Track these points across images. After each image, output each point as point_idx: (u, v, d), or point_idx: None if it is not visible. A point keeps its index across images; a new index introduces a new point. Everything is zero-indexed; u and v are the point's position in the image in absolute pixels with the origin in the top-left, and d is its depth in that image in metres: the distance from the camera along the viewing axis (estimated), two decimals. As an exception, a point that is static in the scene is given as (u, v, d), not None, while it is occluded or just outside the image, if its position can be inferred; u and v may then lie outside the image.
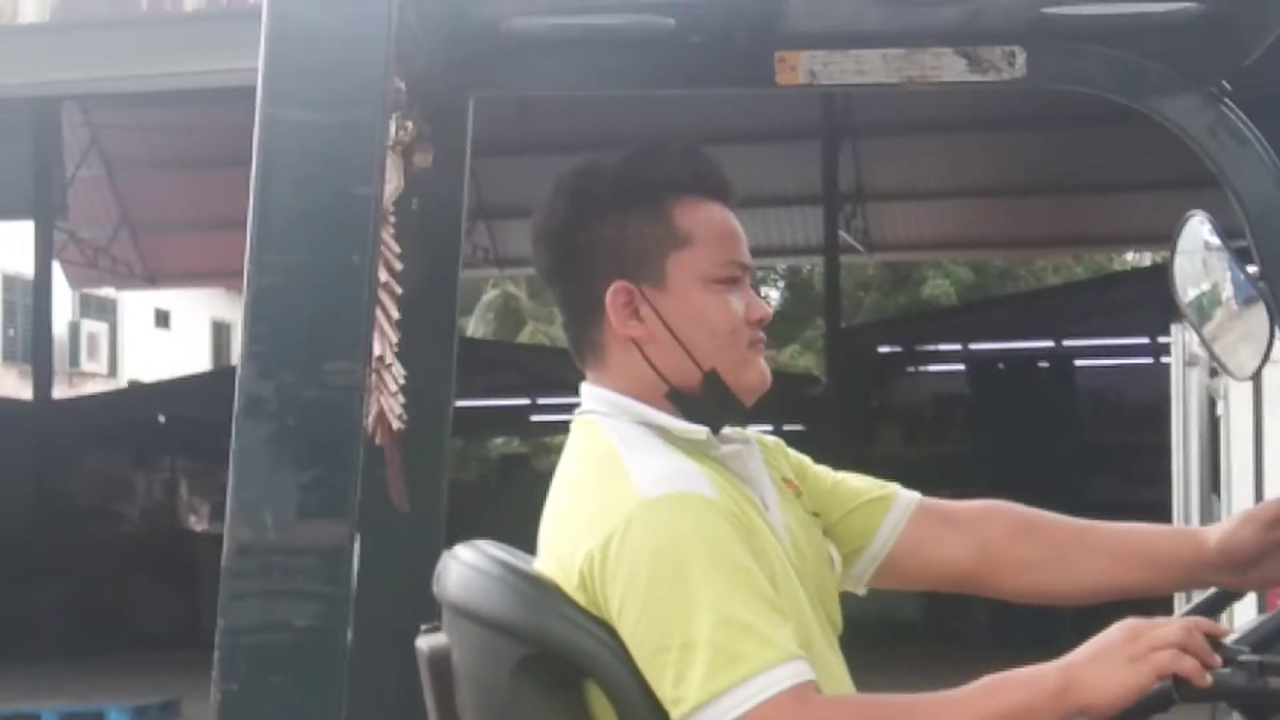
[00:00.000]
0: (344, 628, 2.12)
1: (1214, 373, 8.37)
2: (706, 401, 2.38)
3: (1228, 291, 2.59)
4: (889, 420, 21.33)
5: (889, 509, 2.57)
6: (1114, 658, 2.12)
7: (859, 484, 2.60)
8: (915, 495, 2.61)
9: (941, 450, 20.18)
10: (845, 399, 20.38)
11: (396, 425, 2.48)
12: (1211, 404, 8.09)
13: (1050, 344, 20.95)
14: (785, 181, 20.51)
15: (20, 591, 18.19)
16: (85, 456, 22.02)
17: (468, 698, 2.32)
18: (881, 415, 21.37)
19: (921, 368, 22.28)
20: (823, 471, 2.62)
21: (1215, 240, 2.62)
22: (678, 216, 2.38)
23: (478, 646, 2.30)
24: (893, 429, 21.15)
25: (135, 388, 28.32)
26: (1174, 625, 2.13)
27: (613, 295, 2.37)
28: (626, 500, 2.22)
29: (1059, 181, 20.24)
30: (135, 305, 31.65)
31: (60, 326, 26.06)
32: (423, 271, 2.59)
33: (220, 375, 29.78)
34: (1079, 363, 20.55)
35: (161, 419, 23.17)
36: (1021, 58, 2.56)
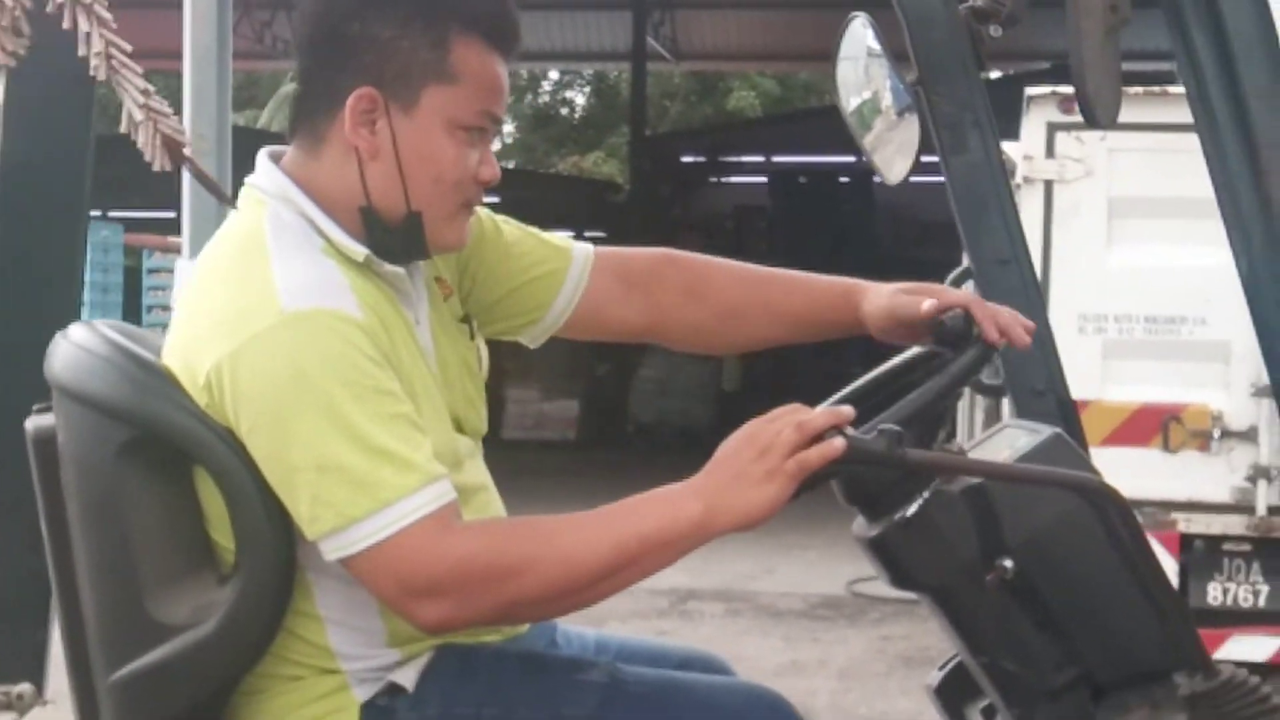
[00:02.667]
0: None
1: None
2: (398, 237, 2.30)
3: (886, 100, 2.59)
4: (690, 229, 21.42)
5: (564, 280, 2.57)
6: (749, 479, 2.15)
7: (536, 251, 2.59)
8: (589, 254, 2.61)
9: (741, 260, 20.36)
10: (647, 207, 20.44)
11: (187, 149, 2.48)
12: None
13: (852, 159, 21.13)
14: (594, -16, 20.27)
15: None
16: None
17: (72, 480, 2.28)
18: (683, 224, 21.46)
19: (724, 178, 22.39)
20: (506, 234, 2.59)
21: (876, 45, 2.61)
22: (455, 51, 2.28)
23: (82, 428, 2.26)
24: (693, 238, 21.23)
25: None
26: (789, 430, 2.16)
27: (356, 99, 2.27)
28: (265, 309, 2.15)
29: (868, -4, 20.27)
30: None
31: None
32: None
33: None
34: (878, 178, 20.78)
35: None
36: None
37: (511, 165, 33.90)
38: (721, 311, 2.62)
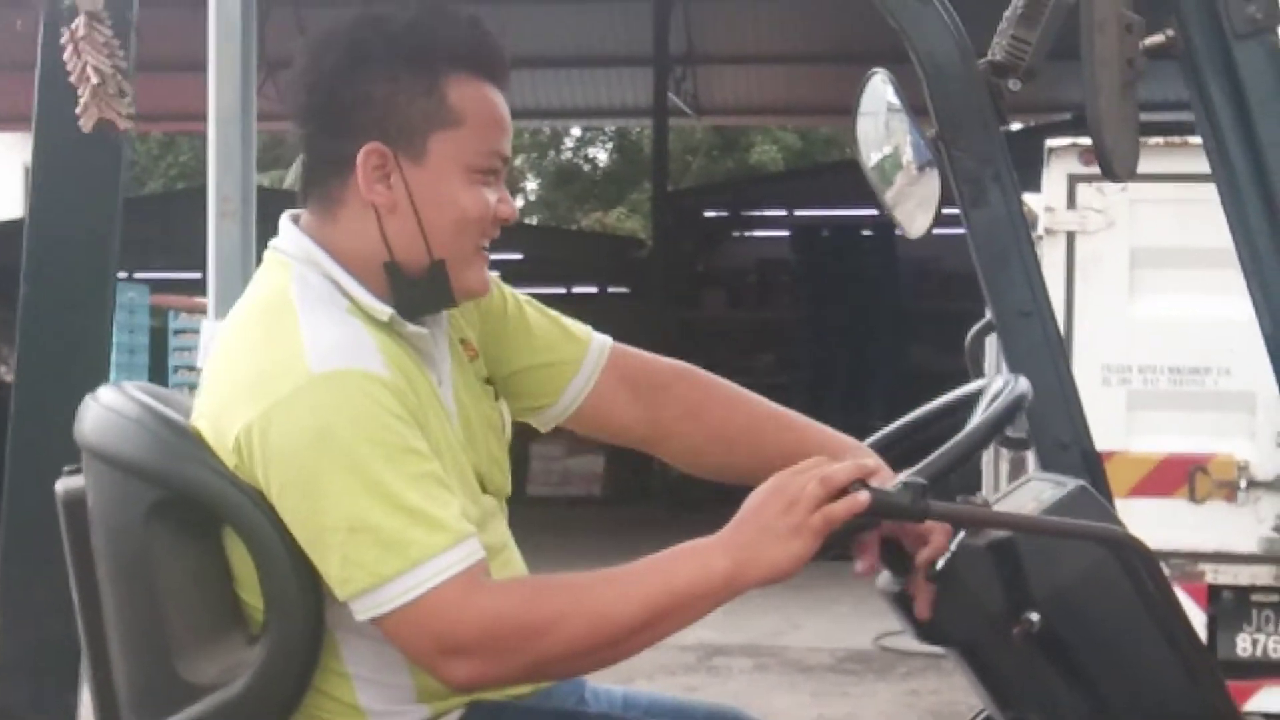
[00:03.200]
0: None
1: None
2: (422, 287, 2.32)
3: (907, 155, 2.60)
4: (714, 284, 21.44)
5: (577, 372, 2.57)
6: (775, 534, 2.16)
7: (554, 336, 2.58)
8: (606, 351, 2.60)
9: (765, 315, 20.37)
10: (671, 262, 20.45)
11: (125, 125, 2.58)
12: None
13: (874, 212, 21.13)
14: (615, 42, 20.36)
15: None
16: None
17: (101, 542, 2.30)
18: (706, 279, 21.48)
19: (747, 233, 22.38)
20: (528, 314, 2.59)
21: (896, 101, 2.62)
22: (452, 93, 2.30)
23: (112, 489, 2.28)
24: (717, 293, 21.28)
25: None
26: (813, 484, 2.17)
27: (365, 156, 2.29)
28: (293, 371, 2.17)
29: (887, 50, 20.33)
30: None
31: None
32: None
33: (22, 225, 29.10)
34: (899, 231, 20.77)
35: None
36: None
37: (535, 222, 34.02)
38: (714, 437, 2.61)
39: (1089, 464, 2.66)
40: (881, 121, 2.65)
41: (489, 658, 2.13)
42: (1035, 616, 2.27)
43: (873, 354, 19.17)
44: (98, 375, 2.65)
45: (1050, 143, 7.23)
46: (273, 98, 19.06)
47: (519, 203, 37.95)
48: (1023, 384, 2.45)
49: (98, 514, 2.31)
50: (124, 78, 2.58)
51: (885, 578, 2.41)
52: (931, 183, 2.60)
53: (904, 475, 2.26)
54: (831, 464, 2.21)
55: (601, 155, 34.64)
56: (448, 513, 2.16)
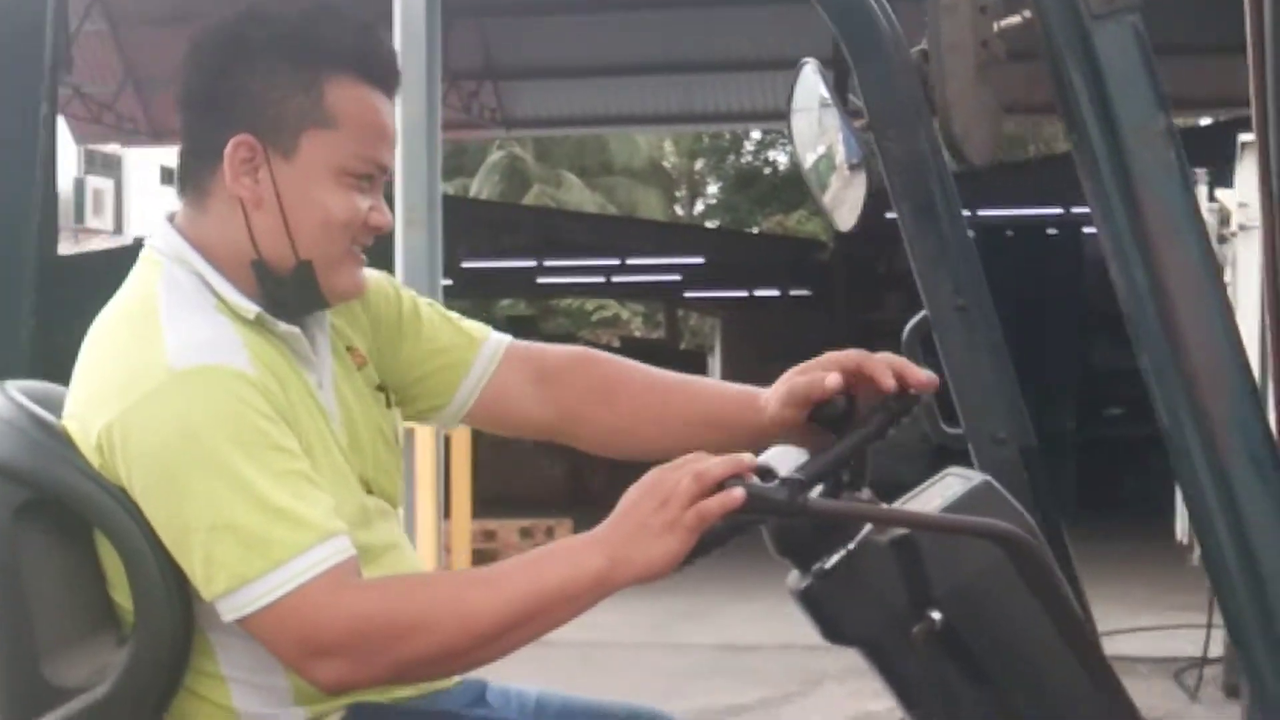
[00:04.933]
0: None
1: (1221, 239, 8.36)
2: (290, 287, 2.27)
3: (840, 154, 2.49)
4: (896, 286, 21.30)
5: (469, 371, 2.52)
6: (650, 531, 2.11)
7: (447, 338, 2.53)
8: (501, 347, 2.55)
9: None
10: (853, 265, 20.38)
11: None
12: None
13: (1059, 211, 20.89)
14: (795, 43, 20.30)
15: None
16: (90, 312, 22.05)
17: None
18: (888, 281, 21.35)
19: (930, 234, 22.20)
20: (423, 318, 2.54)
21: (826, 94, 2.52)
22: (330, 93, 2.24)
23: None
24: (899, 295, 21.13)
25: (140, 244, 28.26)
26: (687, 479, 2.11)
27: (234, 148, 2.23)
28: (153, 369, 2.13)
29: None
30: (140, 162, 31.54)
31: (65, 183, 26.00)
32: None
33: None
34: (1087, 230, 20.47)
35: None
36: None
37: (715, 225, 34.05)
38: (628, 415, 2.55)
39: (1028, 459, 2.54)
40: (815, 117, 2.56)
41: (355, 658, 2.08)
42: (937, 615, 2.20)
43: (1058, 353, 18.93)
44: (15, 368, 2.58)
45: (1243, 137, 7.10)
46: (456, 106, 19.33)
47: (699, 207, 38.03)
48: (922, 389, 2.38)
49: None
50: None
51: (793, 576, 2.32)
52: (861, 179, 2.51)
53: (785, 471, 2.20)
54: (708, 459, 2.14)
55: (781, 158, 34.58)
56: (314, 510, 2.11)
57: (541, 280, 25.14)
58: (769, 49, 19.85)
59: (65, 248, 24.29)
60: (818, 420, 2.35)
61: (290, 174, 2.23)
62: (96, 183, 29.02)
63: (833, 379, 2.32)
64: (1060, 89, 2.11)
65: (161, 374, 2.11)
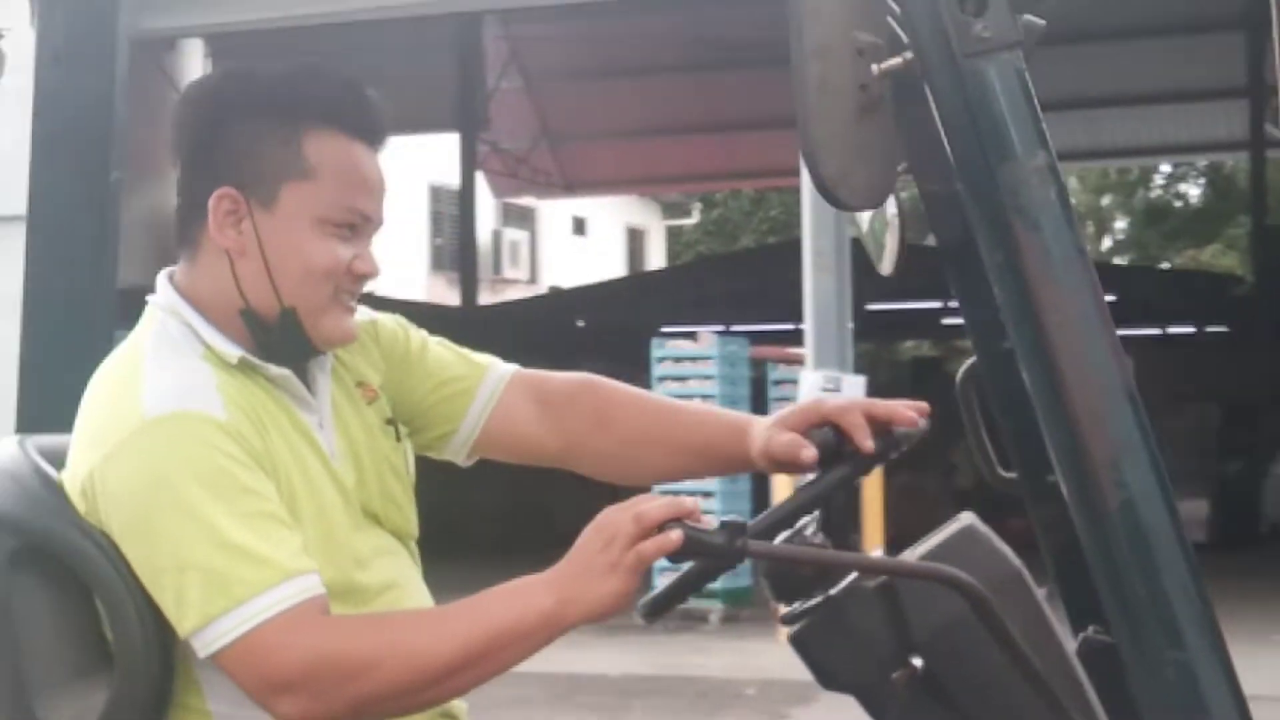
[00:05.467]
0: None
1: None
2: (277, 334, 2.33)
3: (890, 209, 2.46)
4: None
5: (475, 397, 2.57)
6: (594, 570, 2.14)
7: (453, 369, 2.58)
8: (506, 375, 2.60)
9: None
10: (1272, 299, 19.64)
11: None
12: None
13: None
14: (1205, 75, 19.79)
15: (457, 494, 18.93)
16: (509, 359, 22.82)
17: None
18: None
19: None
20: (430, 351, 2.59)
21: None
22: (308, 146, 2.31)
23: None
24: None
25: (555, 293, 29.20)
26: (627, 523, 2.13)
27: (216, 200, 2.30)
28: (128, 417, 2.20)
29: None
30: (553, 213, 32.60)
31: (484, 235, 27.04)
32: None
33: (634, 281, 30.50)
34: None
35: (580, 323, 23.91)
36: None
37: (1124, 261, 33.26)
38: (625, 441, 2.58)
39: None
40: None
41: (312, 696, 2.13)
42: (918, 661, 2.18)
43: None
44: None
45: None
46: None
47: (1106, 243, 37.16)
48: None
49: None
50: None
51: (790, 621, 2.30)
52: (895, 224, 2.50)
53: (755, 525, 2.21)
54: (652, 501, 2.16)
55: (1193, 191, 33.60)
56: (279, 550, 2.16)
57: (946, 321, 24.99)
58: (1179, 80, 19.36)
59: (485, 297, 25.27)
60: (820, 454, 2.38)
61: (272, 224, 2.30)
62: (512, 235, 30.11)
63: (808, 454, 2.35)
64: (943, 130, 2.08)
65: (135, 421, 2.19)
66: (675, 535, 2.11)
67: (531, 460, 2.68)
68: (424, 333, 2.62)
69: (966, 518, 2.34)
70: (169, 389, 2.22)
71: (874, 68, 2.04)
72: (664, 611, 2.31)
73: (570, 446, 2.59)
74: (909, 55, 2.07)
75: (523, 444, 2.61)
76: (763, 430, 2.46)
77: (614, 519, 2.15)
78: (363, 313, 2.50)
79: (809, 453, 2.34)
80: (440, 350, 2.60)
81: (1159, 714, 2.05)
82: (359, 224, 2.33)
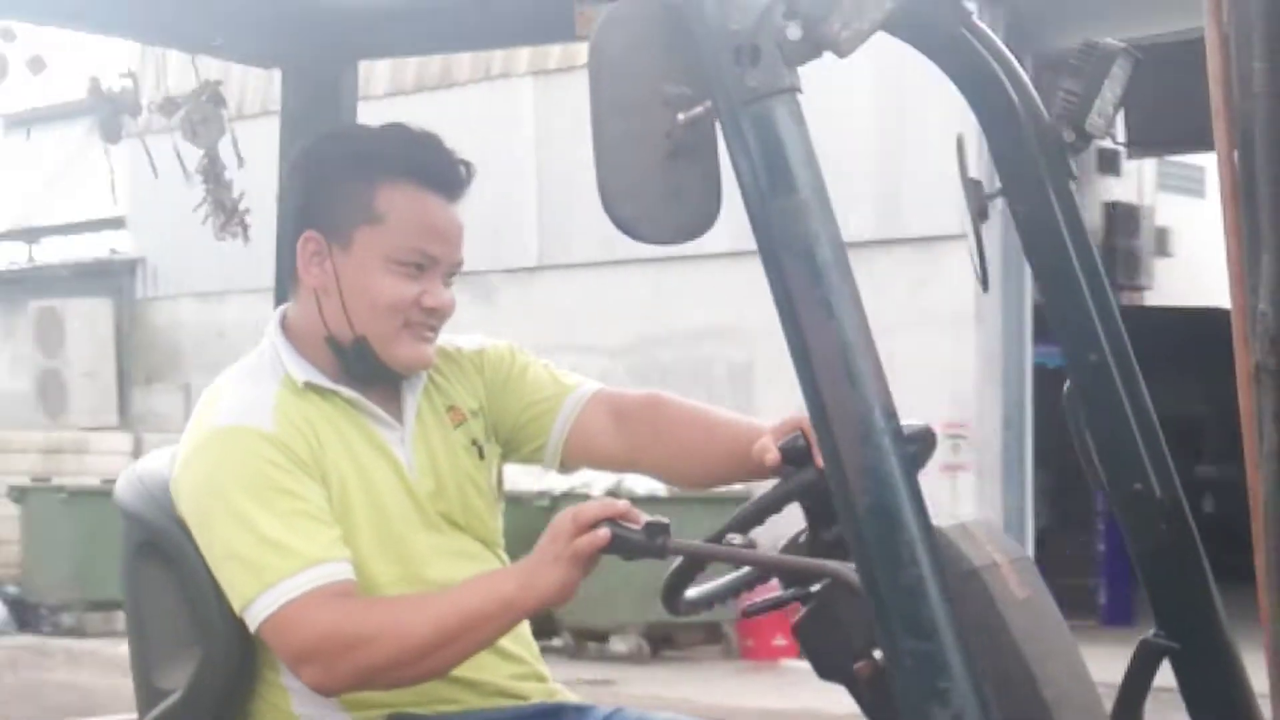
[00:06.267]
0: None
1: None
2: (351, 358, 2.68)
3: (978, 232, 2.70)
4: None
5: (559, 411, 2.88)
6: (545, 562, 2.47)
7: (544, 390, 2.89)
8: (588, 392, 2.90)
9: None
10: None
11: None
12: None
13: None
14: None
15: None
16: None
17: (121, 572, 2.88)
18: None
19: None
20: (529, 374, 2.90)
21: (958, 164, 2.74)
22: (380, 196, 2.64)
23: (123, 532, 2.83)
24: None
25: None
26: (568, 521, 2.46)
27: (302, 243, 2.67)
28: (202, 428, 2.62)
29: None
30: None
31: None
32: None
33: None
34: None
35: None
36: None
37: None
38: (679, 450, 2.85)
39: (1169, 510, 2.66)
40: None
41: (325, 665, 2.51)
42: (878, 654, 2.24)
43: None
44: None
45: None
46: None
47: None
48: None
49: (121, 550, 2.85)
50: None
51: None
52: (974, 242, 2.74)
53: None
54: (591, 503, 2.49)
55: None
56: (308, 543, 2.53)
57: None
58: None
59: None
60: (785, 458, 2.58)
61: (347, 263, 2.65)
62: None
63: (770, 459, 2.57)
64: (733, 168, 2.19)
65: (205, 432, 2.61)
66: (604, 533, 2.43)
67: (610, 468, 3.06)
68: (531, 356, 2.94)
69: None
70: (234, 406, 2.62)
71: (680, 116, 2.13)
72: (674, 600, 2.57)
73: (635, 456, 2.89)
74: (709, 104, 2.14)
75: (600, 454, 2.91)
76: (761, 436, 2.67)
77: (561, 519, 2.48)
78: (473, 341, 2.89)
79: (771, 456, 2.58)
80: (539, 372, 2.91)
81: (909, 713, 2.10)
82: (426, 264, 2.66)
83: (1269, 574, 2.20)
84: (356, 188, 2.65)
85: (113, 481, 2.95)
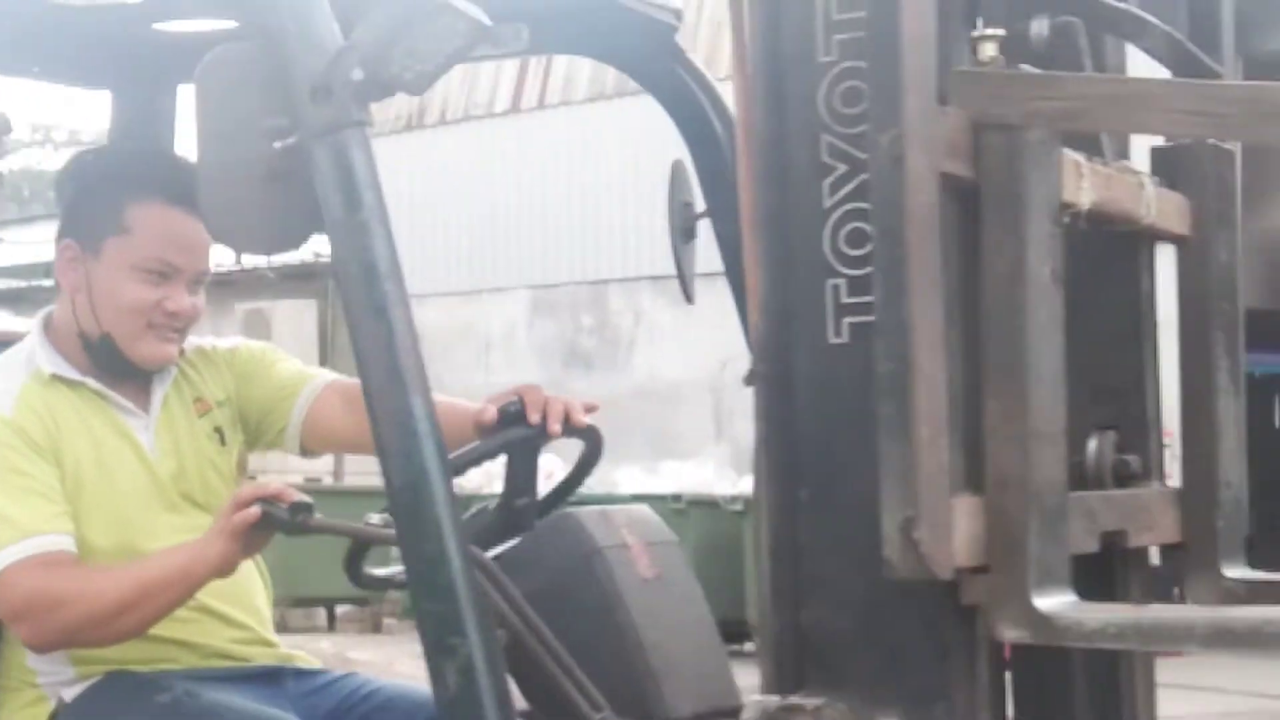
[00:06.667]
0: None
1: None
2: (100, 354, 2.90)
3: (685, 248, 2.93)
4: None
5: (298, 398, 3.09)
6: (213, 533, 2.69)
7: (288, 381, 3.10)
8: (324, 381, 3.10)
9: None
10: None
11: None
12: None
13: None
14: None
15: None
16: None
17: None
18: None
19: None
20: (275, 369, 3.11)
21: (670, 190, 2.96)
22: (128, 210, 2.87)
23: None
24: None
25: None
26: (230, 501, 2.69)
27: (61, 248, 2.91)
28: None
29: None
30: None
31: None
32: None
33: None
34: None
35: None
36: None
37: None
38: None
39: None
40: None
41: (33, 623, 2.73)
42: (500, 632, 2.54)
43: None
44: None
45: None
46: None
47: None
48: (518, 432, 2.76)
49: None
50: None
51: None
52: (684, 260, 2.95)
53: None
54: (251, 485, 2.71)
55: None
56: (31, 516, 2.74)
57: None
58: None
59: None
60: (500, 417, 2.78)
61: (98, 269, 2.88)
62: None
63: (487, 414, 2.79)
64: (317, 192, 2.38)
65: None
66: (254, 510, 2.62)
67: (344, 450, 3.39)
68: (286, 356, 3.17)
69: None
70: None
71: (276, 145, 2.35)
72: (354, 574, 2.76)
73: (363, 439, 2.83)
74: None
75: (334, 436, 3.12)
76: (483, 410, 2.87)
77: (231, 498, 2.71)
78: (230, 341, 3.13)
79: (489, 414, 2.80)
80: (287, 366, 3.14)
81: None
82: (169, 273, 2.88)
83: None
84: (108, 202, 2.89)
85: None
